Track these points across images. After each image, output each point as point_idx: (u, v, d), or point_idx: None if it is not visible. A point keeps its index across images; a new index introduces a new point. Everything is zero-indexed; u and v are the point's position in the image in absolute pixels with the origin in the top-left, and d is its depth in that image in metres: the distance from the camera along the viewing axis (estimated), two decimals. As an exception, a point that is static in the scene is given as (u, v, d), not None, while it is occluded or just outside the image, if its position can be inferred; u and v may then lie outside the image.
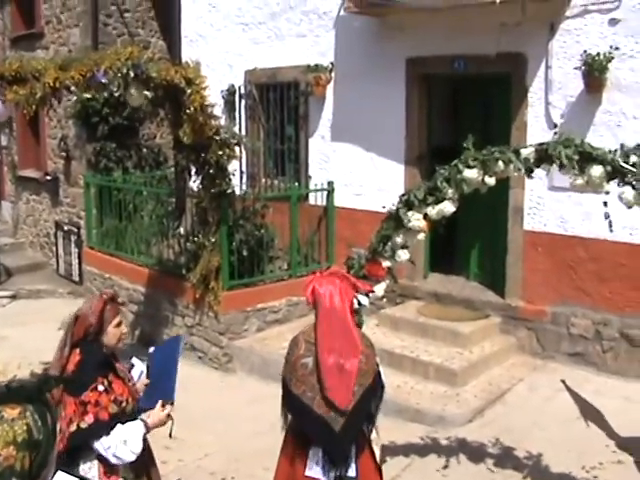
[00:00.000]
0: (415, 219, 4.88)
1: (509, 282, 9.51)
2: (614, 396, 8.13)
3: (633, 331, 8.56)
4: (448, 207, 4.84)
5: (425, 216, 4.92)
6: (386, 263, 5.08)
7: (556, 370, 8.85)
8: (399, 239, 5.02)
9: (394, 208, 5.12)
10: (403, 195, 5.04)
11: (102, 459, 4.25)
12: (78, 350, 4.34)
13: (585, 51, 8.37)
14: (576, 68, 8.46)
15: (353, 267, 5.11)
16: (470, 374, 8.57)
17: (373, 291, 4.99)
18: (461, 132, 10.11)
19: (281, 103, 11.75)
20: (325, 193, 10.99)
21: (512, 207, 9.36)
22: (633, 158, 4.34)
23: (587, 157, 4.42)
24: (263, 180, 11.99)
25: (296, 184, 11.28)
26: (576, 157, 4.42)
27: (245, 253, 9.96)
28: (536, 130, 8.90)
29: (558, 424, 7.59)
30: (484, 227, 10.05)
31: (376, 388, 4.42)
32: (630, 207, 4.39)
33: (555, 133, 4.88)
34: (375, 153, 10.55)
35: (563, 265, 9.04)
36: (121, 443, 4.19)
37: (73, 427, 4.15)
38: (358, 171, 10.78)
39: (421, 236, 5.04)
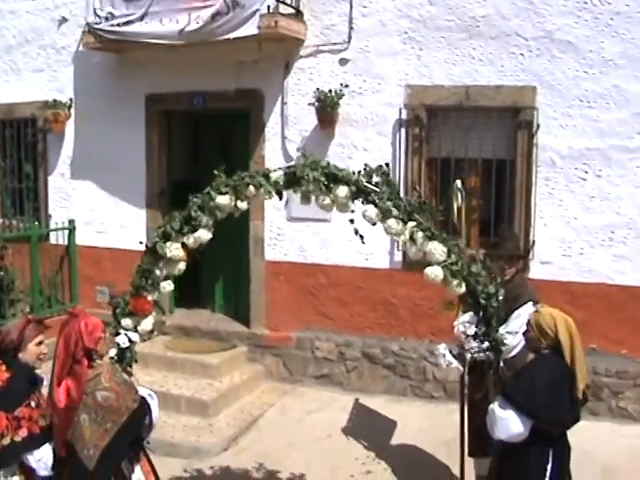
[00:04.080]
0: (174, 249, 4.93)
1: (253, 311, 9.77)
2: (361, 412, 8.57)
3: (373, 350, 9.10)
4: (204, 234, 4.93)
5: (183, 245, 4.98)
6: (151, 297, 5.07)
7: (304, 393, 9.19)
8: (160, 271, 5.04)
9: (152, 241, 5.11)
10: (159, 227, 5.07)
11: (25, 471, 4.43)
12: (5, 367, 4.47)
13: (318, 88, 8.85)
14: (310, 104, 8.92)
15: (119, 305, 5.06)
16: (222, 404, 8.70)
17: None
18: (202, 167, 10.31)
19: (18, 140, 11.33)
20: (66, 232, 10.75)
21: (253, 238, 9.65)
22: (375, 178, 4.68)
23: (333, 178, 4.71)
24: (1, 220, 11.50)
25: (36, 223, 10.89)
26: (323, 179, 4.70)
27: (-16, 297, 9.51)
28: (274, 164, 9.12)
29: (311, 443, 7.87)
30: (227, 260, 10.27)
31: (131, 425, 4.43)
32: (374, 224, 4.71)
33: (303, 155, 5.07)
34: (116, 190, 10.48)
35: (305, 292, 9.43)
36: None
37: (6, 441, 4.32)
38: (100, 209, 10.66)
39: (182, 265, 5.09)
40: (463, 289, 4.49)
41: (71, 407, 4.26)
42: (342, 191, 4.62)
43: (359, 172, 4.75)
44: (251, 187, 4.82)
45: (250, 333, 9.74)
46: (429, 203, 4.67)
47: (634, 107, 7.95)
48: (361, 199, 4.68)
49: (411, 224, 4.52)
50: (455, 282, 4.44)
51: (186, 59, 9.39)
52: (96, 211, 10.70)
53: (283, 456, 7.60)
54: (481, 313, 4.60)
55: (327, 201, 4.69)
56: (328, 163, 4.80)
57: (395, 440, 7.92)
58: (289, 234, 9.47)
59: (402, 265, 8.97)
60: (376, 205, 4.57)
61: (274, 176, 4.85)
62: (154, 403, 4.76)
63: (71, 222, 10.77)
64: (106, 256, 10.22)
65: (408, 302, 9.00)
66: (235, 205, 4.88)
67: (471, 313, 4.71)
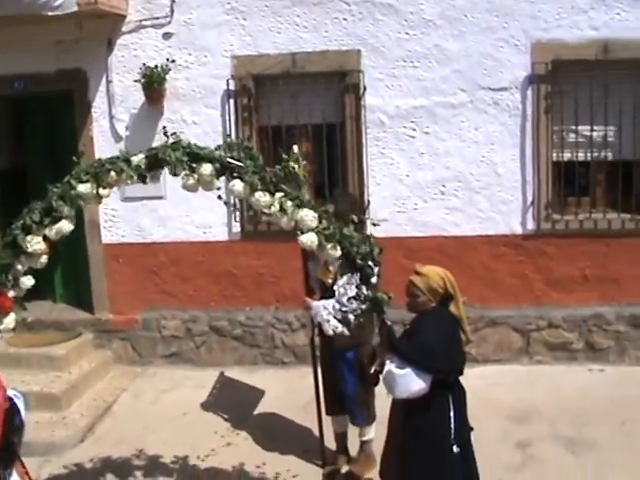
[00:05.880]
0: (35, 243, 4.73)
1: (95, 297, 9.56)
2: (217, 386, 8.62)
3: (220, 323, 9.14)
4: (66, 226, 4.78)
5: (45, 237, 4.79)
6: (11, 293, 4.86)
7: (156, 374, 9.14)
8: (21, 266, 4.83)
9: (11, 234, 4.89)
10: (19, 220, 4.86)
11: None
12: None
13: (143, 64, 8.67)
14: (136, 81, 8.72)
15: None
16: (73, 395, 8.49)
17: None
18: (28, 153, 9.91)
19: None
20: None
21: (88, 222, 9.38)
22: (237, 153, 4.70)
23: (196, 157, 4.69)
24: None
25: None
26: (185, 158, 4.67)
27: None
28: (103, 145, 9.04)
29: (168, 423, 7.85)
30: (63, 247, 9.87)
31: (6, 427, 4.28)
32: (242, 198, 4.74)
33: (165, 134, 5.03)
34: (-63, 185, 9.82)
35: (146, 272, 9.32)
36: None
37: None
38: None
39: (44, 259, 4.90)
40: (339, 252, 4.58)
41: None
42: (206, 169, 4.61)
43: (220, 147, 4.75)
44: (112, 173, 4.71)
45: (94, 319, 9.52)
46: (295, 172, 4.72)
47: (455, 65, 8.33)
48: (226, 175, 4.68)
49: (279, 195, 4.57)
50: (330, 246, 4.53)
51: (2, 41, 8.89)
52: None
53: (141, 439, 7.53)
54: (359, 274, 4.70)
55: (192, 181, 4.66)
56: (189, 143, 4.78)
57: (253, 410, 8.02)
58: (124, 215, 9.29)
59: (241, 236, 9.04)
60: (242, 179, 4.58)
61: (135, 160, 4.75)
62: (20, 403, 4.60)
63: None
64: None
65: (250, 272, 9.09)
66: (97, 193, 4.75)
67: (349, 275, 4.79)
